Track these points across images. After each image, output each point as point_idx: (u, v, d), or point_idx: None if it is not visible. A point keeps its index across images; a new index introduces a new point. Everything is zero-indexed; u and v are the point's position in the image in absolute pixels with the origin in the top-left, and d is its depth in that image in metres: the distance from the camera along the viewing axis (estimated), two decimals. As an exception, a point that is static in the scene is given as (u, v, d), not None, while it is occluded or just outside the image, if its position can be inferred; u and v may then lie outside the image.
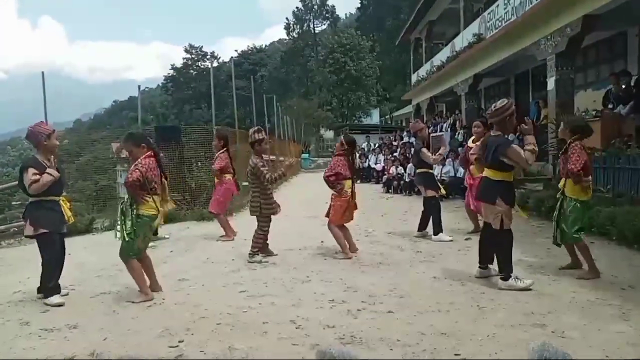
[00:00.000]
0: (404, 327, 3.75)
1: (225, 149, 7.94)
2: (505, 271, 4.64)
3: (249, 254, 6.16)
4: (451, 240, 6.93)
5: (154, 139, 8.32)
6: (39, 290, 4.83)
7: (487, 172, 4.79)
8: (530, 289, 4.53)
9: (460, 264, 5.64)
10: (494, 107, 4.68)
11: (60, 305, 4.61)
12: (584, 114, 10.21)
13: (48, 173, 4.64)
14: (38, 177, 4.60)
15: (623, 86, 9.39)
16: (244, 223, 8.39)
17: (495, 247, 4.81)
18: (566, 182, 4.99)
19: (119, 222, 4.71)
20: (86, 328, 4.01)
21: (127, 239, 4.61)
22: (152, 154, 4.75)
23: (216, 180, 8.05)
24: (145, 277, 4.81)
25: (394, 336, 3.56)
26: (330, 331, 3.72)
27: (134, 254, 4.70)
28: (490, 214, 4.73)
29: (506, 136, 4.73)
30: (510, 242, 4.72)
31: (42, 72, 10.41)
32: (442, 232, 7.07)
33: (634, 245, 5.90)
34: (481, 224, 7.30)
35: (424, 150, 7.27)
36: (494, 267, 4.99)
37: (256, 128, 6.45)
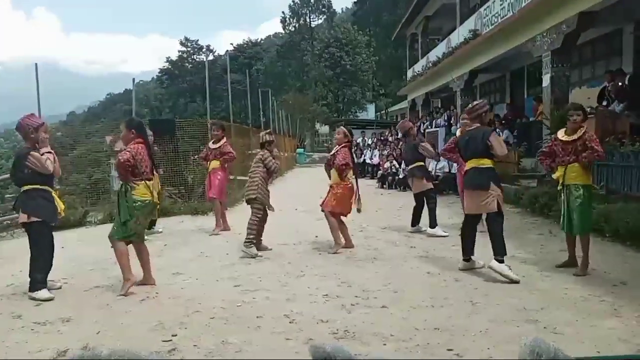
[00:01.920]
0: (398, 322, 3.76)
1: (224, 137, 8.17)
2: (501, 253, 4.79)
3: (244, 242, 6.15)
4: (447, 235, 6.96)
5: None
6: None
7: (474, 163, 5.04)
8: (517, 282, 4.61)
9: (454, 259, 5.65)
10: (471, 105, 5.27)
11: (50, 299, 4.57)
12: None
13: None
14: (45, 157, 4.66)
15: (619, 84, 9.40)
16: (239, 218, 8.39)
17: (491, 232, 4.91)
18: (566, 170, 4.98)
19: (118, 202, 4.78)
20: (79, 321, 4.00)
21: (122, 221, 4.67)
22: (142, 140, 4.82)
23: (213, 167, 8.01)
24: (140, 267, 4.82)
25: (388, 331, 3.58)
26: (324, 326, 3.73)
27: (120, 235, 4.71)
28: (483, 200, 4.91)
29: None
30: (502, 223, 4.92)
31: (36, 64, 10.33)
32: (437, 226, 7.12)
33: (626, 242, 5.94)
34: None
35: (424, 144, 7.47)
36: (476, 258, 5.12)
37: (267, 131, 7.12)
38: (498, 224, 4.89)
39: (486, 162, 4.98)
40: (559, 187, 5.19)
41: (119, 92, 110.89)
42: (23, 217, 4.70)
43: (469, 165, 5.12)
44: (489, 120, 5.52)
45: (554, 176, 5.22)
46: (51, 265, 4.80)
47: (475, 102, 5.33)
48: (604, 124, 8.44)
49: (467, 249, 5.16)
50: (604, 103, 9.69)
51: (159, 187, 5.11)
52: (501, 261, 4.76)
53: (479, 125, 5.14)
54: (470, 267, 5.14)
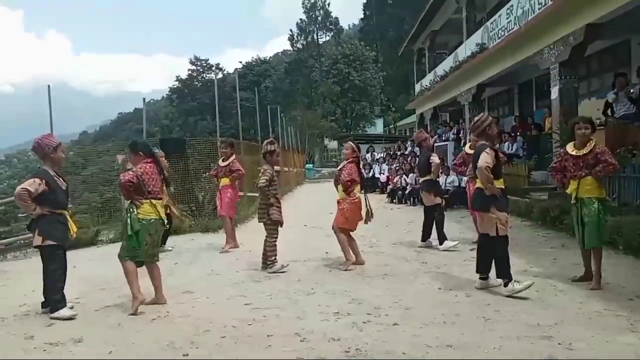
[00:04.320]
0: (410, 340, 3.72)
1: (233, 155, 8.17)
2: (505, 277, 4.71)
3: (267, 264, 6.15)
4: (457, 244, 7.00)
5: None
6: (44, 305, 4.82)
7: (479, 183, 4.92)
8: (530, 286, 4.62)
9: (465, 274, 5.61)
10: (473, 122, 5.10)
11: (72, 318, 4.59)
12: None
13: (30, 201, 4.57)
14: (37, 188, 4.54)
15: (632, 90, 9.32)
16: (248, 235, 8.40)
17: (492, 255, 4.84)
18: (579, 184, 4.94)
19: (125, 221, 4.81)
20: (91, 341, 4.00)
21: (129, 234, 4.70)
22: (150, 160, 4.91)
23: (223, 184, 8.05)
24: (152, 286, 4.86)
25: (400, 349, 3.54)
26: (336, 344, 3.70)
27: (128, 255, 4.75)
28: (486, 223, 4.84)
29: (495, 144, 5.04)
30: (505, 247, 4.78)
31: (48, 86, 10.50)
32: (446, 239, 7.09)
33: (640, 255, 5.86)
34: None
35: (433, 156, 7.46)
36: (494, 276, 4.99)
37: (269, 140, 6.60)
38: (498, 249, 4.77)
39: None
40: (572, 201, 5.10)
41: (129, 111, 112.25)
42: (38, 240, 4.69)
43: (478, 184, 4.99)
44: (498, 132, 5.24)
45: (568, 190, 5.16)
46: (64, 283, 4.83)
47: (476, 118, 5.11)
48: (614, 135, 8.38)
49: (481, 266, 5.02)
50: (609, 112, 9.58)
51: (172, 204, 5.13)
52: (506, 284, 4.69)
53: (484, 142, 4.93)
54: (487, 285, 5.00)
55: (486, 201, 4.79)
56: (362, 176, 6.52)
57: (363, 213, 6.40)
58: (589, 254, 5.06)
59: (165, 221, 5.04)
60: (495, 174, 4.74)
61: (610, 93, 9.79)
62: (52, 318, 4.61)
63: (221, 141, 9.09)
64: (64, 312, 4.64)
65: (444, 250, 6.97)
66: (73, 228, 4.98)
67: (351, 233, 6.38)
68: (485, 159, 4.67)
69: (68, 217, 4.92)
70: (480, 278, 5.04)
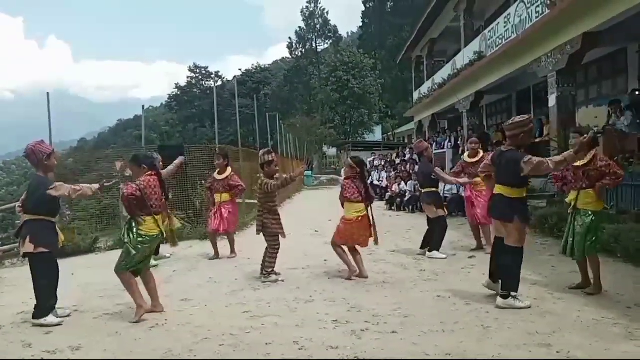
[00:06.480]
0: (409, 348, 3.72)
1: (228, 166, 7.94)
2: (509, 289, 4.61)
3: (263, 274, 6.10)
4: (445, 258, 6.92)
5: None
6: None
7: (501, 190, 4.74)
8: (529, 307, 4.53)
9: (464, 282, 5.61)
10: (512, 120, 4.78)
11: (59, 324, 4.59)
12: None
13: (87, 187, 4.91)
14: (78, 187, 4.83)
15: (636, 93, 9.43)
16: (247, 242, 8.39)
17: (504, 264, 4.73)
18: (579, 195, 4.94)
19: (124, 234, 4.75)
20: (89, 350, 3.99)
21: (129, 249, 4.64)
22: (153, 173, 4.83)
23: (223, 199, 7.82)
24: (147, 294, 4.84)
25: (398, 357, 3.54)
26: (334, 352, 3.70)
27: (127, 266, 4.71)
28: (505, 231, 4.73)
29: (520, 151, 4.70)
30: (520, 259, 4.69)
31: (48, 94, 10.50)
32: (438, 250, 7.07)
33: (639, 262, 5.86)
34: (483, 241, 7.33)
35: (438, 170, 7.42)
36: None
37: (266, 150, 6.40)
38: (510, 259, 4.66)
39: (514, 193, 4.65)
40: (569, 210, 5.11)
41: (129, 118, 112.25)
42: (29, 247, 4.66)
43: (497, 190, 4.80)
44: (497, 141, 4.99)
45: (567, 200, 5.16)
46: (56, 291, 4.82)
47: (518, 118, 4.75)
48: (612, 143, 8.42)
49: (496, 274, 4.92)
50: (611, 122, 9.66)
51: (169, 216, 5.07)
52: (505, 296, 4.59)
53: (512, 148, 4.69)
54: (494, 288, 4.90)
55: (510, 210, 4.64)
56: (367, 192, 6.15)
57: (372, 230, 6.17)
58: (584, 262, 5.06)
59: (164, 234, 5.01)
60: (523, 182, 4.68)
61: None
62: (36, 325, 4.60)
63: (217, 153, 8.65)
64: (50, 319, 4.63)
65: (430, 258, 6.96)
66: (61, 236, 4.97)
67: (357, 246, 6.22)
68: (543, 159, 4.52)
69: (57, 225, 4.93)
70: (490, 278, 4.98)
